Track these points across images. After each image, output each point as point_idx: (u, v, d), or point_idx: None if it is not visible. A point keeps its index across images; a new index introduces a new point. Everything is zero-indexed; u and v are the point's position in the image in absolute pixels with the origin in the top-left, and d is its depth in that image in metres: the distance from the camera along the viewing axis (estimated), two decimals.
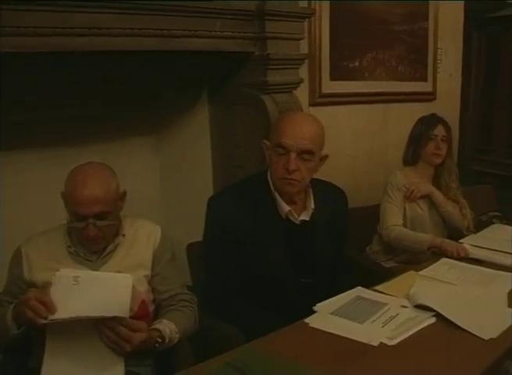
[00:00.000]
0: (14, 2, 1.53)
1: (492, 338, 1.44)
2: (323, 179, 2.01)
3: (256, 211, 1.79)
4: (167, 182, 2.79)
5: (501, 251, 2.13)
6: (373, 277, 2.13)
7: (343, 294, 1.74)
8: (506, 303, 1.67)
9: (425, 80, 3.53)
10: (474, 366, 1.35)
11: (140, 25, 1.85)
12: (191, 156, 2.64)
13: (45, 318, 1.40)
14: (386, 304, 1.67)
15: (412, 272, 1.95)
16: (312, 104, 2.88)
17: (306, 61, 2.81)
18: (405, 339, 1.46)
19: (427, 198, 2.54)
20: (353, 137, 3.19)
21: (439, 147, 2.52)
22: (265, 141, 1.79)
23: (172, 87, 2.59)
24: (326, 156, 1.82)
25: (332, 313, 1.61)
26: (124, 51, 1.88)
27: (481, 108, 4.53)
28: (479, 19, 4.37)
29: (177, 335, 1.62)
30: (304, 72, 2.83)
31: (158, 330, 1.56)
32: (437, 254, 2.19)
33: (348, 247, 2.53)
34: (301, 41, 2.74)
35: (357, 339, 1.46)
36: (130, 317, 1.51)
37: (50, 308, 1.41)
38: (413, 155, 2.61)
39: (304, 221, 1.83)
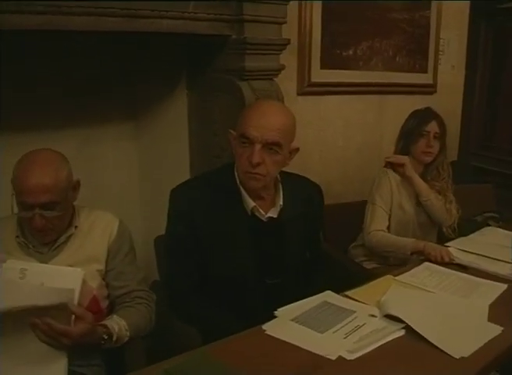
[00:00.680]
0: None
1: (463, 357, 1.30)
2: (298, 173, 1.87)
3: (220, 206, 1.67)
4: (145, 171, 2.68)
5: (489, 257, 1.98)
6: (351, 279, 2.02)
7: (309, 298, 1.61)
8: (486, 317, 1.52)
9: (425, 71, 3.38)
10: None
11: (103, 3, 1.72)
12: (169, 145, 2.52)
13: None
14: (354, 312, 1.53)
15: (389, 276, 1.81)
16: (300, 93, 2.75)
17: (295, 47, 2.69)
18: (367, 353, 1.33)
19: (414, 198, 2.39)
20: (344, 128, 3.05)
21: (431, 144, 2.35)
22: (232, 131, 1.65)
23: (149, 72, 2.47)
24: (297, 149, 1.68)
25: (292, 320, 1.48)
26: (94, 33, 1.76)
27: (487, 102, 4.34)
28: (488, 9, 4.17)
29: (127, 333, 1.54)
30: (292, 59, 2.71)
31: (105, 326, 1.48)
32: (421, 258, 2.04)
33: (328, 245, 2.43)
34: (289, 26, 2.62)
35: (313, 351, 1.33)
36: None
37: None
38: (402, 150, 2.45)
39: (271, 218, 1.70)
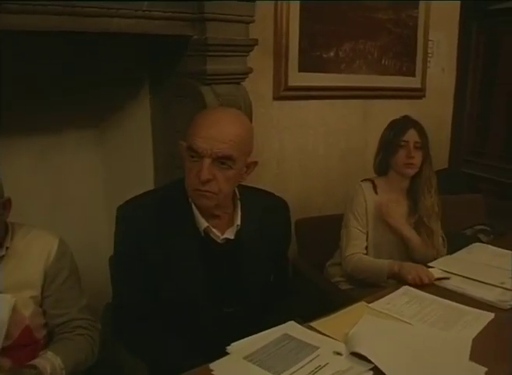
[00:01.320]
0: None
1: None
2: (261, 187, 1.69)
3: (170, 226, 1.48)
4: (109, 181, 2.49)
5: (475, 280, 1.80)
6: (324, 301, 1.84)
7: (268, 331, 1.42)
8: (468, 354, 1.33)
9: (413, 74, 3.20)
10: None
11: (45, 0, 1.55)
12: (133, 155, 2.34)
13: None
14: (317, 348, 1.34)
15: (362, 304, 1.62)
16: (276, 97, 2.57)
17: (271, 49, 2.51)
18: None
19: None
20: (326, 135, 2.87)
21: (411, 155, 2.13)
22: (182, 142, 1.46)
23: (112, 75, 2.28)
24: (255, 163, 1.50)
25: (246, 358, 1.29)
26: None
27: (478, 107, 4.16)
28: (480, 10, 3.99)
29: (63, 372, 1.38)
30: (267, 61, 2.53)
31: (35, 367, 1.31)
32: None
33: (304, 262, 2.25)
34: (265, 26, 2.45)
35: None
36: (10, 345, 1.37)
37: None
38: (380, 163, 2.24)
39: (228, 240, 1.52)
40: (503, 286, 1.75)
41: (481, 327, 1.49)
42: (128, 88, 2.28)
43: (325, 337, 1.41)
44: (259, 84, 2.52)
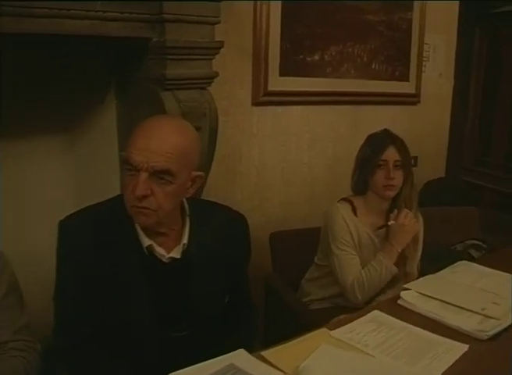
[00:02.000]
0: None
1: None
2: (217, 201, 1.57)
3: (112, 243, 1.36)
4: (78, 188, 2.37)
5: (454, 306, 1.64)
6: (292, 324, 1.71)
7: (214, 360, 1.28)
8: None
9: (407, 79, 3.06)
10: None
11: None
12: (100, 162, 2.22)
13: None
14: None
15: (324, 331, 1.48)
16: (256, 103, 2.43)
17: (250, 52, 2.39)
18: None
19: (375, 228, 2.05)
20: (312, 142, 2.74)
21: (391, 176, 1.94)
22: (123, 153, 1.34)
23: (79, 79, 2.17)
24: (201, 176, 1.37)
25: None
26: None
27: (481, 114, 3.99)
28: (482, 13, 3.83)
29: None
30: (246, 65, 2.41)
31: None
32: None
33: (278, 278, 2.12)
34: (243, 28, 2.34)
35: None
36: None
37: None
38: (358, 183, 2.06)
39: (174, 259, 1.39)
40: (484, 312, 1.59)
41: (451, 361, 1.34)
42: (95, 93, 2.17)
43: (274, 369, 1.28)
44: (237, 90, 2.40)
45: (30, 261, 2.06)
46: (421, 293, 1.72)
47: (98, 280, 1.35)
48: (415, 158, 3.09)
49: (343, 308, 1.93)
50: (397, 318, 1.57)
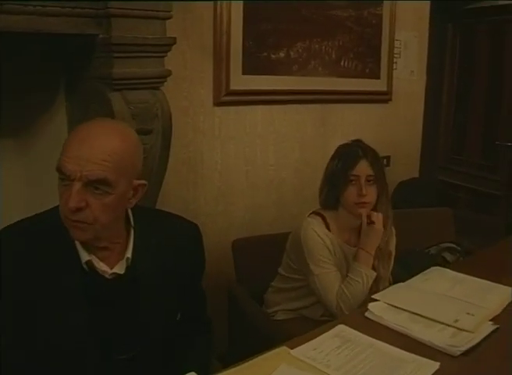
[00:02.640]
0: None
1: None
2: (176, 209, 1.45)
3: (50, 258, 1.24)
4: (31, 192, 2.23)
5: (426, 318, 1.54)
6: (256, 338, 1.59)
7: None
8: None
9: (378, 77, 2.95)
10: None
11: None
12: (53, 169, 2.07)
13: None
14: None
15: (284, 349, 1.36)
16: (217, 103, 2.31)
17: (211, 50, 2.27)
18: None
19: (352, 239, 1.93)
20: (277, 143, 2.63)
21: (363, 193, 1.79)
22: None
23: (27, 79, 2.03)
24: (143, 185, 1.24)
25: None
26: None
27: (455, 112, 3.93)
28: (455, 9, 3.77)
29: None
30: (207, 64, 2.29)
31: None
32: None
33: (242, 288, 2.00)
34: (203, 25, 2.22)
35: None
36: None
37: None
38: (327, 198, 1.90)
39: (118, 275, 1.26)
40: (457, 325, 1.49)
41: None
42: (45, 95, 2.03)
43: None
44: (198, 89, 2.28)
45: None
46: (390, 304, 1.62)
47: (31, 300, 1.22)
48: (387, 157, 3.01)
49: (308, 318, 1.82)
50: (364, 332, 1.47)
